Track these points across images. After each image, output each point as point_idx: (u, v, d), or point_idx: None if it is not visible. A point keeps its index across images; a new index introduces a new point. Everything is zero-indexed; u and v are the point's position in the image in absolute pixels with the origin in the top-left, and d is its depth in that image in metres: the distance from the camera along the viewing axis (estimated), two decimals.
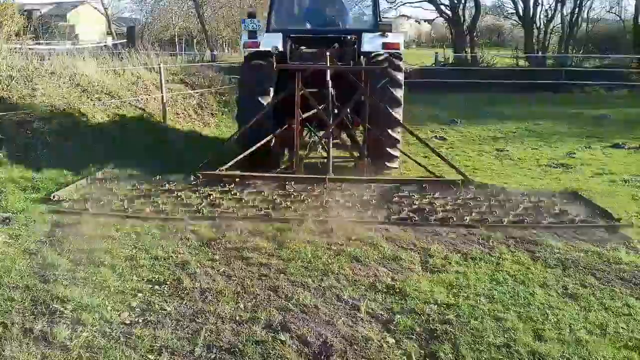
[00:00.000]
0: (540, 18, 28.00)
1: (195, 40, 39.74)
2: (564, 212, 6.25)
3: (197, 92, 13.64)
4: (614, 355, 3.54)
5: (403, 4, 30.71)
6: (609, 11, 33.35)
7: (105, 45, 25.53)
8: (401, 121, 7.86)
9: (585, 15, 28.61)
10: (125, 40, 28.81)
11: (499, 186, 7.23)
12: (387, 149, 7.84)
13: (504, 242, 5.49)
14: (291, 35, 8.38)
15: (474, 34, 29.03)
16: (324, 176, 6.98)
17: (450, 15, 28.03)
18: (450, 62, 27.06)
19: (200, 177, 7.07)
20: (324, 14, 9.21)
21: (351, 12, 9.54)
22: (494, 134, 12.51)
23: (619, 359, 3.51)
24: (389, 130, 7.76)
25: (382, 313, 4.06)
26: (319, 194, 6.67)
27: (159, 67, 11.98)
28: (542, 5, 28.22)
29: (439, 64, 25.97)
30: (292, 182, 7.01)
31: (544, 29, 27.91)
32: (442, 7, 29.19)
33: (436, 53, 28.14)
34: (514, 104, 17.09)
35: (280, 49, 8.07)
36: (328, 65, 7.77)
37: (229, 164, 7.27)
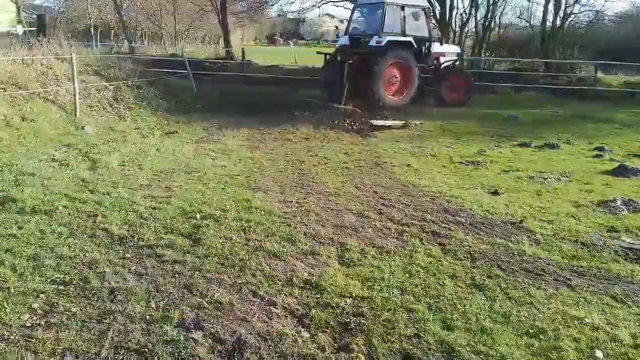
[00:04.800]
0: (455, 22, 29.10)
1: (112, 32, 38.18)
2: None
3: (112, 85, 13.11)
4: (516, 342, 3.72)
5: (326, 3, 30.82)
6: (519, 17, 35.11)
7: (14, 34, 24.02)
8: (379, 83, 15.09)
9: (497, 20, 29.98)
10: (35, 29, 27.22)
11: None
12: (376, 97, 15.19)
13: (417, 235, 5.68)
14: (352, 37, 16.22)
15: None
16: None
17: None
18: None
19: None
20: (365, 25, 16.85)
21: (373, 24, 16.07)
22: (412, 132, 12.89)
23: (521, 346, 3.69)
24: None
25: None
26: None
27: (71, 58, 11.42)
28: (457, 9, 29.18)
29: None
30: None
31: (459, 32, 29.03)
32: None
33: None
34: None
35: (347, 43, 16.09)
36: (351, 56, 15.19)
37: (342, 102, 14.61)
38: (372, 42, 15.07)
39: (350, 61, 14.96)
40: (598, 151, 10.82)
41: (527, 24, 32.04)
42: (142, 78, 14.63)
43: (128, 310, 3.88)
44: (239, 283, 4.43)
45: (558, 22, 26.71)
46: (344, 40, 16.31)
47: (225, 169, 8.42)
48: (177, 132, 11.64)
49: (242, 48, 25.21)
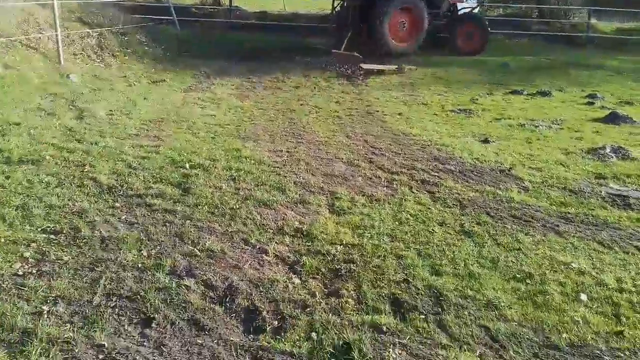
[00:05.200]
0: None
1: None
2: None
3: (96, 32, 12.75)
4: (503, 287, 3.79)
5: None
6: None
7: None
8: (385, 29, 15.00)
9: None
10: None
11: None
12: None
13: (407, 183, 5.69)
14: None
15: None
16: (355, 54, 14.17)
17: None
18: None
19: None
20: None
21: None
22: (404, 80, 12.74)
23: (508, 290, 3.76)
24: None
25: None
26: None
27: (53, 3, 11.04)
28: None
29: None
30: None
31: None
32: None
33: None
34: (424, 51, 17.40)
35: None
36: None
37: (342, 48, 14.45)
38: None
39: (356, 6, 15.02)
40: (590, 98, 10.79)
41: None
42: (126, 25, 14.23)
43: (120, 259, 3.89)
44: (230, 231, 4.44)
45: None
46: None
47: (215, 118, 8.32)
48: (164, 80, 11.42)
49: None
